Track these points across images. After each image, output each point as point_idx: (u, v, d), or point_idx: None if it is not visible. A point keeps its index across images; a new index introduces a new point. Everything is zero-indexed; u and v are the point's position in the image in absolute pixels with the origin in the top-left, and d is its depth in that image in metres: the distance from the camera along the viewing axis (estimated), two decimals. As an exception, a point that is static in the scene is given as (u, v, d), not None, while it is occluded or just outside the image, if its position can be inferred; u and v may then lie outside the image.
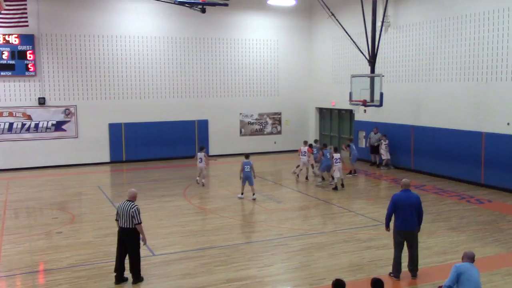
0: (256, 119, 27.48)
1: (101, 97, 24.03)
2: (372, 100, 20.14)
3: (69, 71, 23.40)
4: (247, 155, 16.91)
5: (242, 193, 16.64)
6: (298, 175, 19.91)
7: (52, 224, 13.85)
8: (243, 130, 27.21)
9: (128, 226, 9.41)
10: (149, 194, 17.39)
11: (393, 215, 9.53)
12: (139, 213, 9.41)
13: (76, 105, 23.63)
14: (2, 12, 20.64)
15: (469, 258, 7.28)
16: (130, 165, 23.81)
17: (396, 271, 9.57)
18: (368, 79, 20.45)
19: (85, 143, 23.79)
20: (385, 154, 22.05)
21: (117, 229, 9.66)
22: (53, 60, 23.06)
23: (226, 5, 21.98)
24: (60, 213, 15.25)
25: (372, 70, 20.74)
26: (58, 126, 23.43)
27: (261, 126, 27.62)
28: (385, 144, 21.97)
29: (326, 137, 27.81)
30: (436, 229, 12.83)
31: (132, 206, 9.38)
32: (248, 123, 27.33)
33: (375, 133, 22.67)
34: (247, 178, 16.31)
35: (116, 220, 9.62)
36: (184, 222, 13.95)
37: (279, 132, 27.99)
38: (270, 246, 11.77)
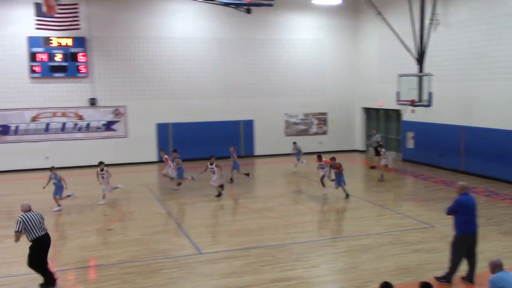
0: (301, 119, 27.41)
1: (149, 98, 24.55)
2: (420, 100, 19.72)
3: (118, 72, 24.03)
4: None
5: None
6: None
7: (102, 221, 14.26)
8: (288, 130, 27.18)
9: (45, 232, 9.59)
10: (196, 193, 17.62)
11: (458, 219, 9.24)
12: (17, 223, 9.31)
13: (125, 106, 24.24)
14: (56, 16, 21.41)
15: (499, 266, 7.06)
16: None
17: (450, 276, 9.29)
18: (416, 78, 20.04)
19: (133, 142, 24.38)
20: (386, 158, 19.89)
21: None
22: (103, 61, 23.74)
23: (271, 5, 22.03)
24: (110, 210, 15.68)
25: (420, 69, 20.31)
26: (108, 126, 24.12)
27: (306, 126, 27.52)
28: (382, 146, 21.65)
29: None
30: (488, 233, 12.43)
31: (38, 213, 9.63)
32: (293, 123, 27.28)
33: (373, 135, 22.61)
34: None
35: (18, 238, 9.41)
36: (229, 221, 14.08)
37: (325, 133, 27.81)
38: (315, 247, 11.72)
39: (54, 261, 10.97)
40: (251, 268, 10.32)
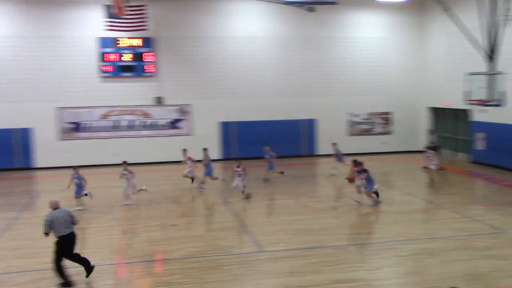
0: (364, 119, 26.95)
1: (214, 96, 24.96)
2: (491, 99, 18.87)
3: (184, 71, 24.60)
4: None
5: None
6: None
7: (167, 217, 14.64)
8: (351, 129, 26.81)
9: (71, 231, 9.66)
10: (259, 192, 17.72)
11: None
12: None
13: (191, 104, 24.77)
14: (125, 17, 22.19)
15: None
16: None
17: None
18: (486, 77, 19.19)
19: (198, 140, 24.82)
20: (433, 160, 18.09)
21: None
22: (169, 61, 24.37)
23: (335, 3, 21.79)
24: (175, 206, 16.08)
25: (491, 68, 19.43)
26: (174, 124, 24.74)
27: (370, 126, 27.03)
28: None
29: (440, 138, 26.52)
30: None
31: (66, 210, 9.80)
32: (356, 123, 26.88)
33: (430, 135, 21.67)
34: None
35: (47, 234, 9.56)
36: (291, 220, 14.07)
37: (389, 133, 27.21)
38: (379, 249, 11.51)
39: (123, 253, 11.39)
40: (313, 268, 10.27)
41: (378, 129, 27.09)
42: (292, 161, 24.17)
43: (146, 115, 24.46)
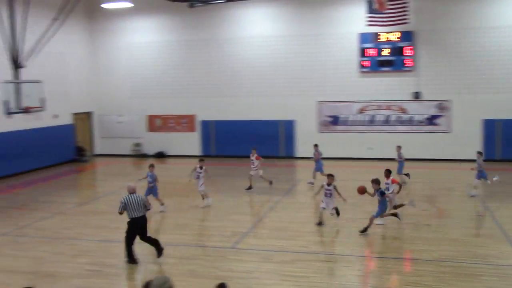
0: None
1: (477, 92, 23.07)
2: None
3: (444, 65, 23.34)
4: None
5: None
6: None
7: (420, 216, 14.20)
8: None
9: (142, 214, 10.54)
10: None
11: None
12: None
13: (450, 100, 23.43)
14: (386, 12, 22.15)
15: None
16: (506, 165, 22.09)
17: None
18: None
19: (457, 138, 23.39)
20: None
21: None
22: (429, 55, 23.43)
23: None
24: (428, 206, 15.50)
25: None
26: (431, 120, 23.77)
27: None
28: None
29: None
30: None
31: (140, 196, 10.77)
32: None
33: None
34: None
35: (121, 213, 10.58)
36: None
37: None
38: None
39: (371, 248, 11.52)
40: None
41: None
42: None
43: (402, 110, 24.07)
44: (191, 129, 26.76)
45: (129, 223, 10.64)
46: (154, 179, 14.81)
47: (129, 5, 24.08)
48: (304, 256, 10.95)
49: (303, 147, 24.87)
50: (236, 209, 15.39)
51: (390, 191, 13.56)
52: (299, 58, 24.91)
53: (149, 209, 11.07)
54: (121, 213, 10.65)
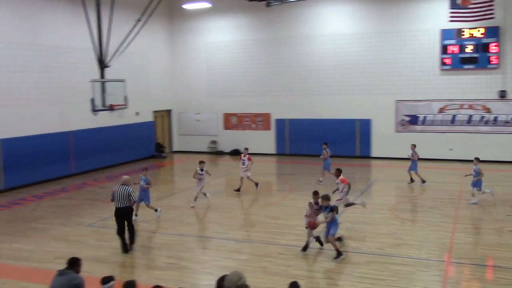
0: None
1: None
2: None
3: (534, 62, 21.97)
4: None
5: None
6: None
7: (504, 221, 13.49)
8: None
9: (125, 205, 11.32)
10: None
11: None
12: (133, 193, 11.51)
13: (539, 99, 22.03)
14: (470, 7, 21.15)
15: None
16: None
17: None
18: None
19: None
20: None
21: None
22: (517, 51, 22.15)
23: None
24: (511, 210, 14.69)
25: None
26: (518, 120, 22.47)
27: None
28: None
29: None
30: None
31: (128, 189, 11.33)
32: None
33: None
34: None
35: (112, 200, 11.47)
36: None
37: None
38: None
39: (452, 252, 11.08)
40: None
41: None
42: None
43: (486, 110, 22.90)
44: (267, 127, 26.96)
45: (114, 211, 11.52)
46: (147, 183, 14.27)
47: (208, 5, 24.69)
48: (379, 258, 10.72)
49: (379, 147, 24.39)
50: (309, 208, 15.33)
51: (341, 190, 13.41)
52: (376, 55, 24.38)
53: (134, 202, 11.96)
54: (112, 200, 11.55)
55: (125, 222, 11.47)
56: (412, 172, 18.33)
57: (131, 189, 11.50)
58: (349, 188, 13.49)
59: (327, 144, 19.23)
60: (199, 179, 15.77)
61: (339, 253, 10.69)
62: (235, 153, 27.08)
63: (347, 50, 24.86)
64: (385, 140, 24.55)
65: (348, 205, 13.71)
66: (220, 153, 27.53)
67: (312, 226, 10.97)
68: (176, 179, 22.70)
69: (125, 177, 11.79)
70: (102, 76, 18.23)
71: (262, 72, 26.67)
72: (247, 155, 17.82)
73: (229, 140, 27.70)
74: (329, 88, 25.40)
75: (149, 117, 26.85)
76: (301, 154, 25.56)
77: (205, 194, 15.97)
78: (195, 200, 15.80)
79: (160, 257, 11.13)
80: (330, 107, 25.37)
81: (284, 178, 20.69)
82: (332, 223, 10.85)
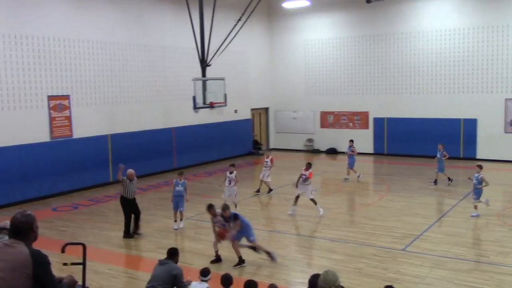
0: None
1: None
2: None
3: None
4: None
5: None
6: None
7: None
8: None
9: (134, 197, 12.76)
10: None
11: None
12: None
13: None
14: None
15: None
16: None
17: None
18: None
19: None
20: None
21: None
22: None
23: None
24: None
25: None
26: None
27: None
28: None
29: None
30: None
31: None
32: None
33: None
34: None
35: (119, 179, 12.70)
36: None
37: None
38: None
39: None
40: None
41: None
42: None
43: None
44: (364, 126, 26.40)
45: (120, 198, 12.88)
46: (185, 188, 13.40)
47: (307, 3, 24.68)
48: (483, 267, 10.12)
49: (486, 148, 23.00)
50: (408, 210, 14.81)
51: (308, 183, 14.23)
52: (484, 51, 22.94)
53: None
54: (119, 179, 12.78)
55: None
56: None
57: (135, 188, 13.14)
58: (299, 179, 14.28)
59: (353, 141, 19.80)
60: (229, 184, 14.79)
61: (241, 261, 10.42)
62: (332, 151, 26.82)
63: (451, 46, 23.64)
64: (493, 141, 23.04)
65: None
66: (317, 152, 27.41)
67: (222, 236, 10.51)
68: (272, 177, 22.88)
69: (130, 171, 12.79)
70: (204, 74, 18.88)
71: (360, 70, 26.15)
72: (270, 157, 17.60)
73: (326, 138, 27.48)
74: (430, 86, 24.32)
75: (247, 115, 27.37)
76: (400, 154, 24.75)
77: (235, 205, 14.56)
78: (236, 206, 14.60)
79: (253, 254, 11.22)
80: (431, 105, 24.27)
81: (381, 179, 20.14)
82: (246, 229, 10.50)
